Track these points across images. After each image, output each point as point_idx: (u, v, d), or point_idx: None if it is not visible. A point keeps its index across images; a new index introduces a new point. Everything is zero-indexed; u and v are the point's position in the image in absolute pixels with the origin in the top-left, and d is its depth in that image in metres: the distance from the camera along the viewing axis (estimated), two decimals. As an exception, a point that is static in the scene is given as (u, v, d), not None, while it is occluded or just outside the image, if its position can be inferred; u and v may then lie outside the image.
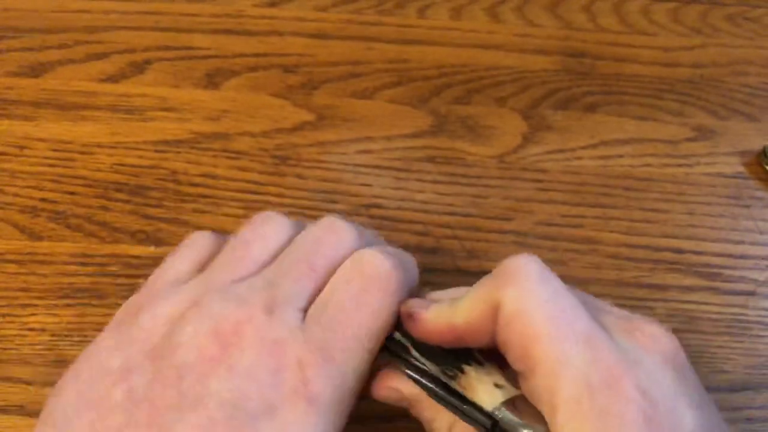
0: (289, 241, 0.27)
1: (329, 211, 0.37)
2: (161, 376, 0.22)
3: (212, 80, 0.41)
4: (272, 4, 0.44)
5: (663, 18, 0.46)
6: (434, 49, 0.43)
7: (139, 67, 0.41)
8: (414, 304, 0.25)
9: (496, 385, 0.24)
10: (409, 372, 0.25)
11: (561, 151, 0.40)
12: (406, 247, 0.36)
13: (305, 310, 0.24)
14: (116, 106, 0.40)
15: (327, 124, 0.40)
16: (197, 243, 0.28)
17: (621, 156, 0.40)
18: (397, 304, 0.25)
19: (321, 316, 0.24)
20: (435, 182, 0.39)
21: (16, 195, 0.37)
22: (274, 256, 0.26)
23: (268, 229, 0.27)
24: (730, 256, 0.37)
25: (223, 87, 0.41)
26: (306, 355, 0.22)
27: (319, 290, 0.25)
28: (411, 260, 0.28)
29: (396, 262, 0.25)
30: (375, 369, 0.26)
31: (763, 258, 0.37)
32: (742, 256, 0.37)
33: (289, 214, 0.37)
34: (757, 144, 0.41)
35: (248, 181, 0.38)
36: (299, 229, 0.28)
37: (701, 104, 0.42)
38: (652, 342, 0.22)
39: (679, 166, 0.40)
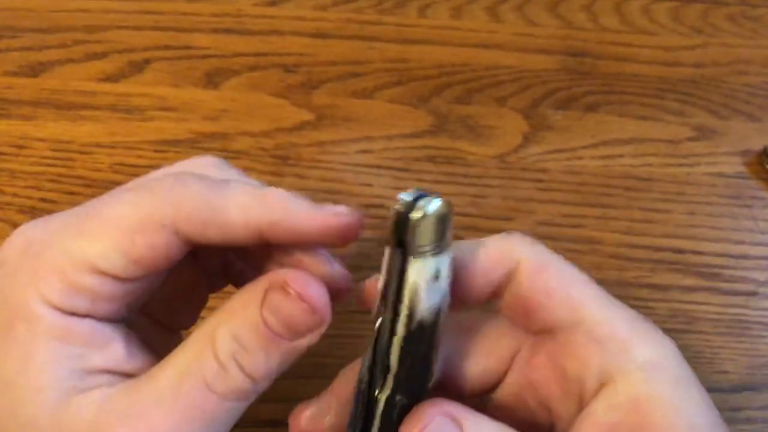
0: None
1: (329, 211, 0.37)
2: None
3: (212, 80, 0.41)
4: (272, 4, 0.44)
5: (664, 17, 0.46)
6: (434, 48, 0.43)
7: (139, 67, 0.41)
8: None
9: None
10: None
11: (561, 150, 0.40)
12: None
13: None
14: (115, 106, 0.40)
15: (327, 123, 0.40)
16: None
17: (622, 156, 0.40)
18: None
19: None
20: (435, 182, 0.38)
21: (15, 195, 0.37)
22: None
23: None
24: (730, 256, 0.37)
25: (223, 86, 0.41)
26: None
27: None
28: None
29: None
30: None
31: (764, 258, 0.37)
32: (743, 256, 0.37)
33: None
34: (758, 144, 0.40)
35: (248, 181, 0.38)
36: None
37: (702, 104, 0.42)
38: None
39: (680, 165, 0.40)
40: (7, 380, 0.19)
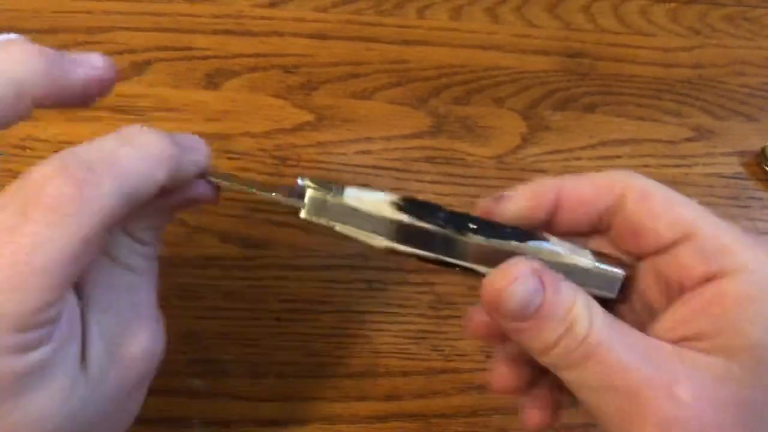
0: None
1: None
2: None
3: (212, 81, 0.41)
4: (272, 5, 0.44)
5: (662, 18, 0.46)
6: (433, 49, 0.43)
7: (140, 68, 0.41)
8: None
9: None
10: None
11: (560, 151, 0.40)
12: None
13: None
14: (117, 107, 0.40)
15: (327, 124, 0.40)
16: None
17: (620, 156, 0.40)
18: (162, 172, 0.23)
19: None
20: (434, 182, 0.39)
21: (17, 195, 0.37)
22: None
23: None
24: (728, 256, 0.37)
25: (224, 87, 0.41)
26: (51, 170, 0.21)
27: None
28: (198, 145, 0.27)
29: (169, 139, 0.24)
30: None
31: (761, 258, 0.37)
32: (740, 257, 0.37)
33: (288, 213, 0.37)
34: (755, 144, 0.41)
35: (248, 182, 0.38)
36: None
37: (700, 104, 0.42)
38: None
39: (678, 166, 0.40)
40: None
